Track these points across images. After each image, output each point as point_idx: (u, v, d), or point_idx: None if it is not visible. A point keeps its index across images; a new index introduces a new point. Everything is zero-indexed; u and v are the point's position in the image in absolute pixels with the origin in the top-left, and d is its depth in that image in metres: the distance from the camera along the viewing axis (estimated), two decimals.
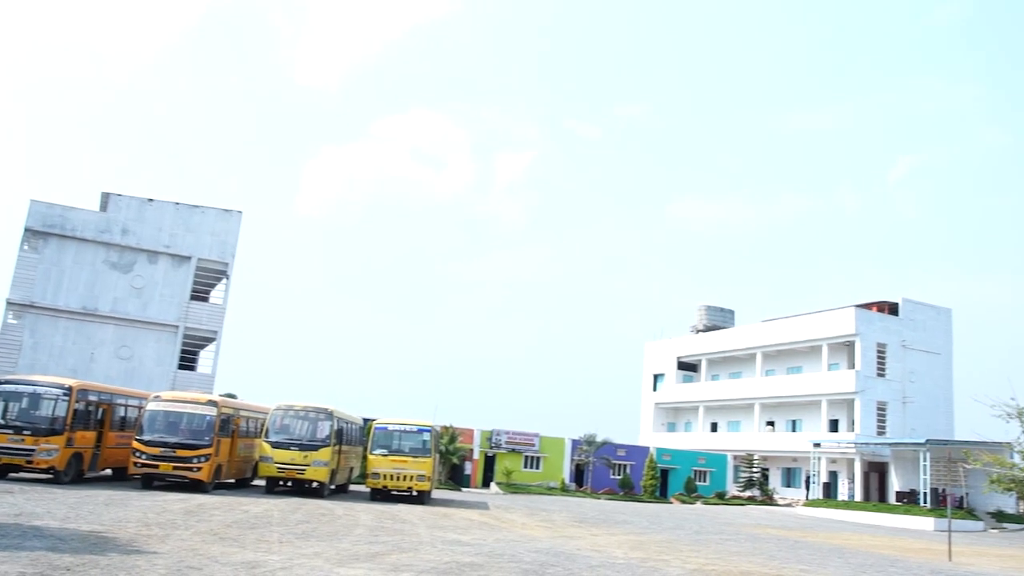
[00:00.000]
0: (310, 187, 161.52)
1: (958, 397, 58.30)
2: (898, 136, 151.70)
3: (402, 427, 28.63)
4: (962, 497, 47.16)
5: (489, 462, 48.11)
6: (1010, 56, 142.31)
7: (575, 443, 50.13)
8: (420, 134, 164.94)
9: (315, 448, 26.45)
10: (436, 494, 33.91)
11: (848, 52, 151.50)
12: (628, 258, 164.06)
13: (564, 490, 46.80)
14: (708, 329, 71.27)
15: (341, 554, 13.67)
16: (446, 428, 43.97)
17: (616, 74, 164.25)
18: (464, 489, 43.34)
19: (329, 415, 27.26)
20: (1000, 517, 46.91)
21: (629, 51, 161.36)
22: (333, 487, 28.57)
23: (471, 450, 47.22)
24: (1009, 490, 40.54)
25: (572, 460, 50.12)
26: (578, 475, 50.20)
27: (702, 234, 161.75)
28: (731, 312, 73.87)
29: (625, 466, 51.18)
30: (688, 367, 71.29)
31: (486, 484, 46.76)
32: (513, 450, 48.50)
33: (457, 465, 45.27)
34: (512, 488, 44.38)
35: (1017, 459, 39.88)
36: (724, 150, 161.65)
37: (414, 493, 28.58)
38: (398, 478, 27.70)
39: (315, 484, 27.06)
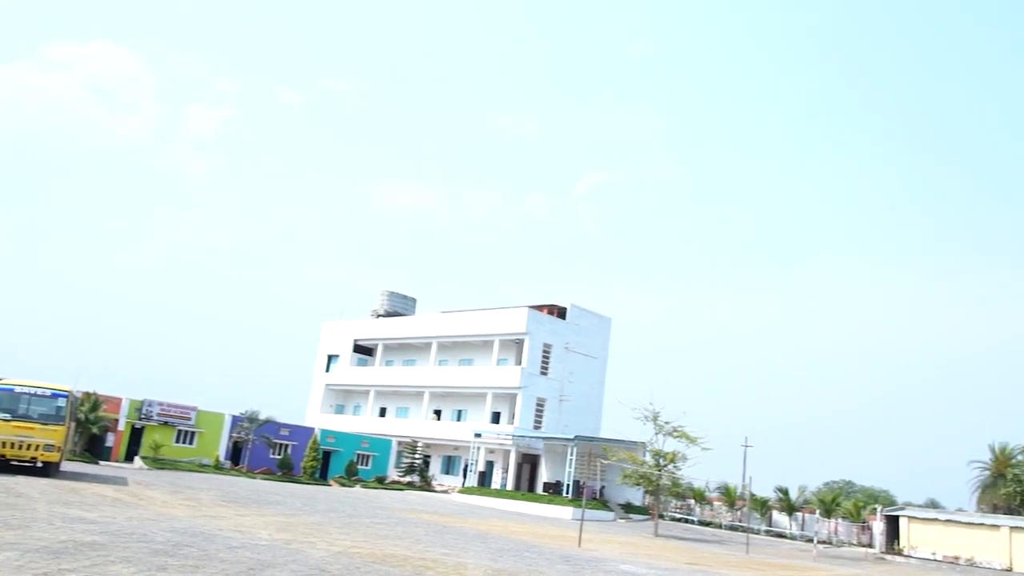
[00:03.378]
0: None
1: (607, 399, 63.94)
2: (587, 153, 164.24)
3: (32, 390, 25.34)
4: (599, 489, 51.62)
5: (136, 435, 44.39)
6: (690, 97, 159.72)
7: (236, 419, 47.81)
8: (99, 68, 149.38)
9: None
10: (68, 467, 30.70)
11: (554, 67, 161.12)
12: (317, 234, 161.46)
13: (218, 468, 44.44)
14: (389, 315, 71.69)
15: None
16: (88, 395, 39.93)
17: (326, 45, 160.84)
18: (103, 463, 39.70)
19: None
20: (628, 508, 52.00)
21: (342, 23, 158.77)
22: None
23: (116, 420, 43.26)
24: (638, 484, 45.14)
25: (230, 437, 47.78)
26: (235, 453, 47.96)
27: (395, 220, 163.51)
28: (413, 300, 74.93)
29: (287, 446, 49.77)
30: (364, 350, 71.22)
31: (130, 458, 43.14)
32: (166, 423, 45.14)
33: (98, 436, 41.23)
34: (159, 464, 41.37)
35: (648, 457, 44.45)
36: (427, 141, 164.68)
37: (39, 464, 25.39)
38: (20, 446, 24.46)
39: None
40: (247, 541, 15.51)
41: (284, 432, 50.02)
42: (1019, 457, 56.64)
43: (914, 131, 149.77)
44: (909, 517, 51.71)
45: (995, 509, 53.80)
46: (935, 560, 47.34)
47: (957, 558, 47.26)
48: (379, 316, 72.07)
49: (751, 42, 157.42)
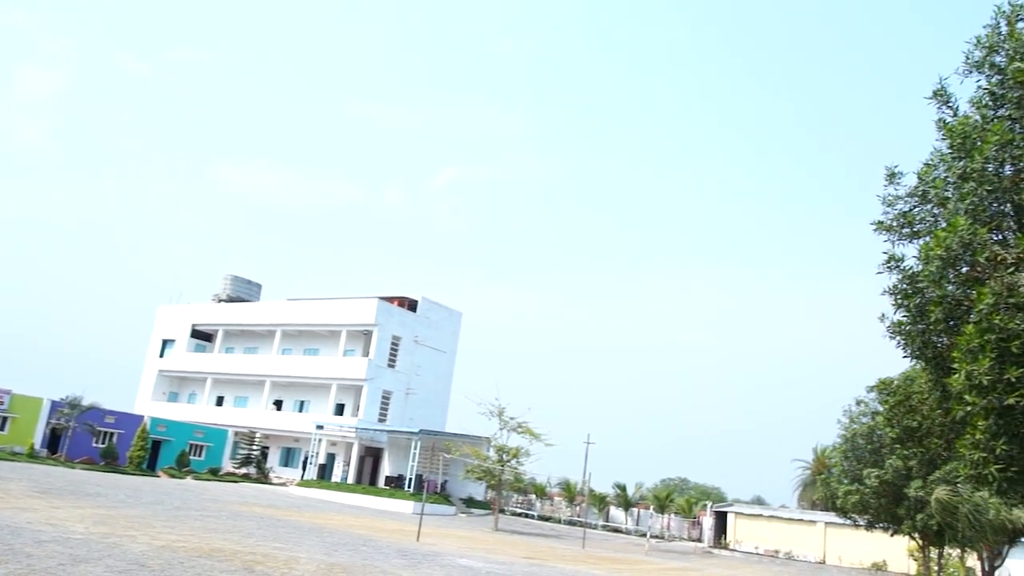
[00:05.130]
0: None
1: (455, 393, 63.82)
2: (447, 147, 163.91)
3: None
4: (441, 484, 51.42)
5: None
6: (553, 98, 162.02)
7: (56, 404, 44.56)
8: None
9: None
10: None
11: (419, 59, 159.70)
12: (157, 211, 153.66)
13: (32, 456, 41.25)
14: (231, 300, 68.86)
15: None
16: None
17: (178, 13, 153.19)
18: None
19: None
20: (470, 503, 52.09)
21: None
22: None
23: None
24: (480, 479, 45.25)
25: (48, 423, 44.47)
26: (53, 441, 44.70)
27: (243, 202, 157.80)
28: (259, 286, 72.33)
29: (112, 434, 46.86)
30: (203, 336, 68.08)
31: None
32: None
33: None
34: None
35: (491, 452, 44.65)
36: (282, 123, 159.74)
37: None
38: None
39: None
40: (59, 535, 14.71)
41: (109, 419, 47.07)
42: (833, 459, 60.61)
43: (777, 138, 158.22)
44: (736, 513, 54.42)
45: (813, 506, 57.41)
46: (757, 554, 50.00)
47: (777, 552, 50.11)
48: (221, 301, 69.12)
49: (616, 46, 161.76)
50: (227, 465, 53.82)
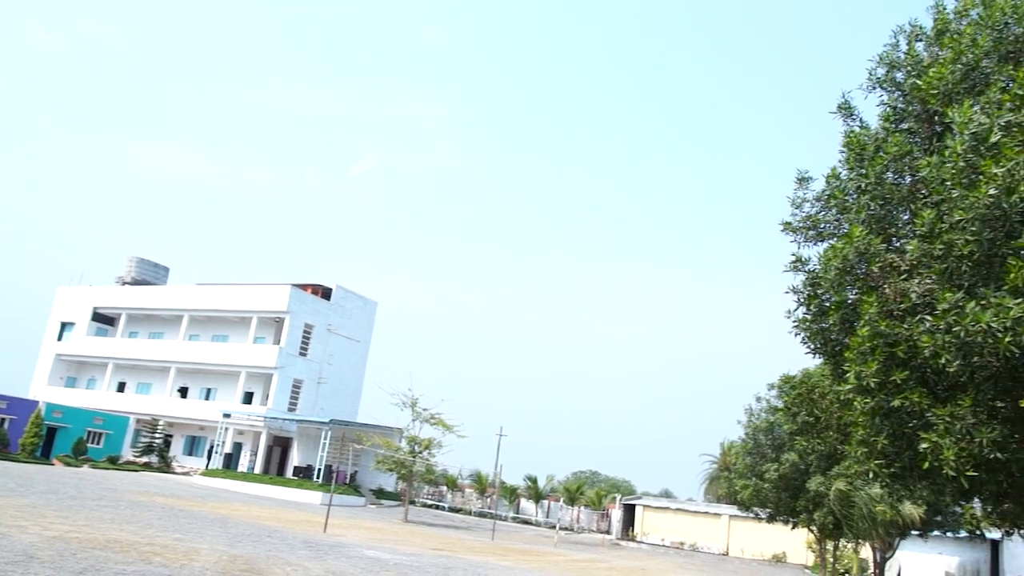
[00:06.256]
0: None
1: (367, 383, 63.19)
2: (368, 134, 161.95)
3: None
4: (351, 474, 50.94)
5: None
6: (478, 89, 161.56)
7: None
8: None
9: None
10: None
11: (342, 44, 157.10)
12: (59, 189, 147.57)
13: None
14: (136, 283, 66.57)
15: None
16: None
17: None
18: None
19: None
20: (380, 494, 51.70)
21: None
22: None
23: None
24: (391, 470, 44.95)
25: None
26: None
27: (152, 183, 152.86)
28: (166, 269, 70.13)
29: (3, 420, 44.81)
30: (105, 320, 65.64)
31: None
32: None
33: None
34: None
35: (403, 443, 44.40)
36: (199, 103, 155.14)
37: None
38: None
39: None
40: None
41: (1, 404, 44.98)
42: (735, 456, 62.32)
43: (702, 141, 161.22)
44: (644, 506, 55.49)
45: (719, 499, 58.99)
46: (664, 545, 51.11)
47: (683, 544, 51.31)
48: (125, 284, 66.74)
49: (546, 39, 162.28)
50: (128, 453, 52.16)
